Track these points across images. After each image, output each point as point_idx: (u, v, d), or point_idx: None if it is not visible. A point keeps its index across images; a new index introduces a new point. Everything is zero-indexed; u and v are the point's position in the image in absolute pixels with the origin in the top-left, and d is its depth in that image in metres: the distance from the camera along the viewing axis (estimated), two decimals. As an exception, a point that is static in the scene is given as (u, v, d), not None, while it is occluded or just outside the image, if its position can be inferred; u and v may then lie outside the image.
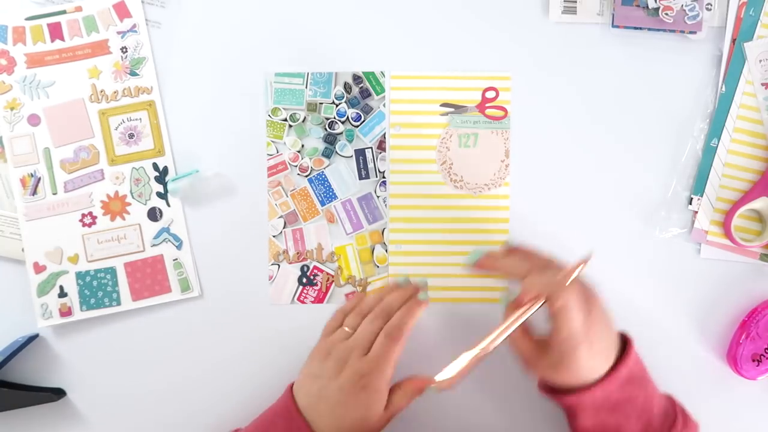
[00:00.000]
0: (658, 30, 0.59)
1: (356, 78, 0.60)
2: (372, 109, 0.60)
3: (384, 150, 0.60)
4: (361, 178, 0.60)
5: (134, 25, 0.60)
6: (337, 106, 0.60)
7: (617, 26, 0.59)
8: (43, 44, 0.59)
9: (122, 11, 0.60)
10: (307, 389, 0.51)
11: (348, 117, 0.60)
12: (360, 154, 0.60)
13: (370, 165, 0.60)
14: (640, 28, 0.59)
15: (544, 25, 0.60)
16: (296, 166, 0.60)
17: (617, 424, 0.48)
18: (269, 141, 0.60)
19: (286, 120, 0.60)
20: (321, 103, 0.60)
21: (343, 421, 0.49)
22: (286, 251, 0.60)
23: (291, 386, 0.53)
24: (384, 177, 0.60)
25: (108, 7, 0.60)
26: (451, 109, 0.60)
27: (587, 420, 0.49)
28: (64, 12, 0.59)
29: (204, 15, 0.60)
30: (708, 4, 0.58)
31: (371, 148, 0.60)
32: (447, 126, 0.60)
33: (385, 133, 0.60)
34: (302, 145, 0.60)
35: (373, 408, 0.50)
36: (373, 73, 0.60)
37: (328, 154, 0.60)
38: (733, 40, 0.59)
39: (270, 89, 0.60)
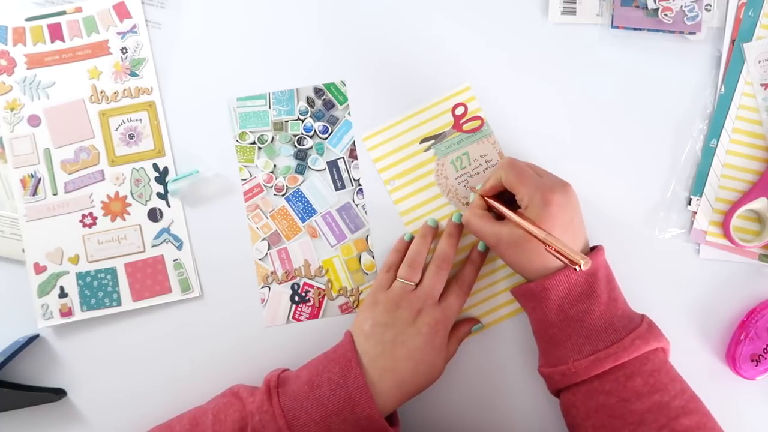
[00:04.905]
0: (658, 31, 0.59)
1: (318, 91, 0.60)
2: (338, 119, 0.60)
3: (356, 158, 0.60)
4: (337, 189, 0.60)
5: (134, 26, 0.60)
6: (302, 121, 0.60)
7: (616, 27, 0.59)
8: (43, 45, 0.59)
9: (122, 12, 0.60)
10: (380, 337, 0.53)
11: (315, 131, 0.60)
12: (332, 165, 0.60)
13: (344, 175, 0.60)
14: (640, 29, 0.59)
15: (543, 25, 0.60)
16: (271, 186, 0.60)
17: (578, 317, 0.50)
18: (241, 166, 0.60)
19: (254, 143, 0.60)
20: (287, 121, 0.60)
21: (419, 366, 0.52)
22: (274, 272, 0.60)
23: (350, 336, 0.54)
24: (360, 185, 0.60)
25: (108, 8, 0.60)
26: (431, 141, 0.60)
27: (551, 309, 0.50)
28: (64, 13, 0.59)
29: (204, 15, 0.60)
30: (707, 4, 0.58)
31: (343, 158, 0.60)
32: (435, 158, 0.60)
33: (354, 141, 0.60)
34: (274, 165, 0.60)
35: (443, 352, 0.54)
36: (333, 84, 0.60)
37: (301, 170, 0.60)
38: (733, 41, 0.59)
39: (234, 114, 0.60)
